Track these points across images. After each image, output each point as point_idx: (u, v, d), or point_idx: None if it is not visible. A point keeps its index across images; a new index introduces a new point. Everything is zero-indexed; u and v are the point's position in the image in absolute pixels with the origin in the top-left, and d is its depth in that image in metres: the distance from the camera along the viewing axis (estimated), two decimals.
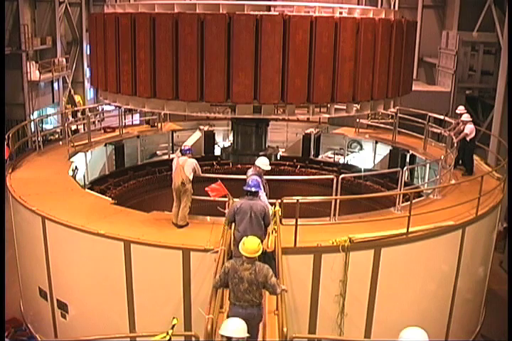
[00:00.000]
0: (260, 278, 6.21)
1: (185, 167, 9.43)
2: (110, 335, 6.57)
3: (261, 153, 13.20)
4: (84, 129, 16.52)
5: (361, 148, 16.80)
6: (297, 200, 8.78)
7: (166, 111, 11.75)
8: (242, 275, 6.21)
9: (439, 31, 26.28)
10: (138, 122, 18.46)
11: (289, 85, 10.63)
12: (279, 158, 14.18)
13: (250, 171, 9.12)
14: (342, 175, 10.32)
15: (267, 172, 9.48)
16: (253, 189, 7.88)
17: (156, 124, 16.80)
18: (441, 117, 15.91)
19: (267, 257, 8.55)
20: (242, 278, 6.21)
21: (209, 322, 5.83)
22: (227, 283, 6.39)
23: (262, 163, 9.24)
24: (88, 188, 12.65)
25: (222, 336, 5.18)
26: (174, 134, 16.85)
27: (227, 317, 6.35)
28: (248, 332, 5.70)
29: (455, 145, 12.83)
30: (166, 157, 16.35)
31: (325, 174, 15.53)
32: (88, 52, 32.01)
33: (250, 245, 6.26)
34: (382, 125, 16.93)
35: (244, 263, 6.25)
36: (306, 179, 15.32)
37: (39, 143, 13.87)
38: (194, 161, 9.55)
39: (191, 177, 9.50)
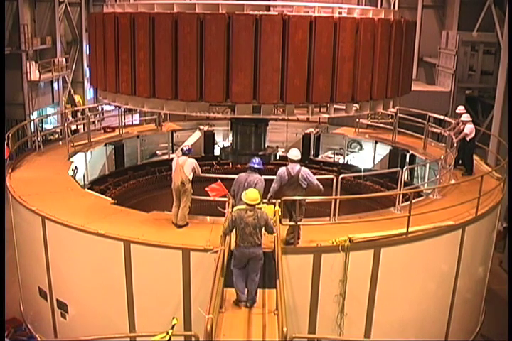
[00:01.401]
0: (262, 221, 7.44)
1: (184, 167, 9.44)
2: (110, 335, 6.58)
3: (260, 153, 13.21)
4: (84, 129, 16.55)
5: (361, 148, 16.80)
6: (297, 200, 8.78)
7: (166, 111, 11.74)
8: (247, 221, 7.40)
9: (439, 31, 26.29)
10: (138, 122, 18.45)
11: (289, 85, 10.62)
12: (278, 158, 14.16)
13: (294, 167, 8.99)
14: (342, 175, 10.32)
15: (267, 173, 9.50)
16: (256, 165, 9.01)
17: (160, 123, 16.79)
18: (441, 117, 15.92)
19: (267, 257, 8.57)
20: (248, 224, 7.39)
21: (209, 322, 5.84)
22: (232, 229, 7.61)
23: (293, 154, 9.17)
24: (88, 188, 12.65)
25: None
26: (174, 134, 16.86)
27: (234, 256, 7.61)
28: (252, 269, 7.51)
29: (455, 145, 12.83)
30: (165, 157, 16.36)
31: (325, 174, 15.52)
32: (88, 52, 32.03)
33: (251, 194, 7.47)
34: (382, 125, 16.94)
35: (247, 211, 7.45)
36: None
37: (39, 143, 13.87)
38: (194, 161, 9.57)
39: (191, 177, 9.51)
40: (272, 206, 8.72)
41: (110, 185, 14.43)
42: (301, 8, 10.72)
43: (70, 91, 33.90)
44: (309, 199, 9.59)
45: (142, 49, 10.83)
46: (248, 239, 7.42)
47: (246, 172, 9.12)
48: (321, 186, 9.09)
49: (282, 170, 9.09)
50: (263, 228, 7.55)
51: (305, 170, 9.02)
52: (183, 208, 9.54)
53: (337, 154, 16.94)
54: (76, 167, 13.06)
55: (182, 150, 9.69)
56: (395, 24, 11.48)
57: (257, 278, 7.63)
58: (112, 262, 9.32)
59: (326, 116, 12.18)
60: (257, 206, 7.60)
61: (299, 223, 8.91)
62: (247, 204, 7.49)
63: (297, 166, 9.04)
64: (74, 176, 12.47)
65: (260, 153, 13.18)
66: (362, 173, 15.43)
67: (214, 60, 10.42)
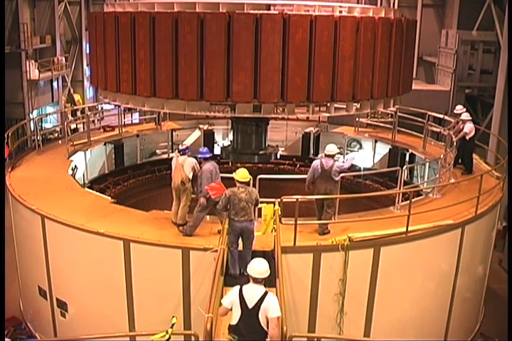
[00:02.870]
0: (253, 196, 8.33)
1: (184, 166, 9.46)
2: (110, 334, 6.58)
3: (261, 152, 13.21)
4: (83, 128, 16.52)
5: (361, 147, 16.79)
6: (297, 199, 8.79)
7: (166, 110, 11.73)
8: (240, 197, 8.25)
9: (439, 30, 26.28)
10: (137, 121, 18.44)
11: (289, 84, 10.62)
12: (278, 157, 14.17)
13: (329, 161, 9.48)
14: (341, 174, 10.31)
15: (267, 172, 9.53)
16: (207, 155, 9.36)
17: (159, 122, 16.79)
18: (441, 116, 15.92)
19: (267, 256, 8.57)
20: (241, 199, 8.25)
21: (208, 321, 5.84)
22: (226, 206, 8.35)
23: (329, 149, 9.71)
24: (87, 187, 12.66)
25: (249, 275, 6.17)
26: (174, 133, 16.85)
27: (229, 232, 8.35)
28: (247, 238, 8.35)
29: (454, 144, 12.83)
30: (165, 156, 16.35)
31: None
32: (87, 51, 31.99)
33: (243, 173, 8.38)
34: (381, 124, 16.93)
35: (239, 188, 8.33)
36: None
37: (38, 142, 13.86)
38: (194, 160, 9.58)
39: (191, 177, 9.52)
40: (272, 205, 8.73)
41: (110, 184, 14.43)
42: (301, 7, 10.71)
43: (69, 90, 33.87)
44: (309, 198, 9.62)
45: (142, 48, 10.82)
46: (242, 213, 8.24)
47: (208, 164, 9.25)
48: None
49: (316, 163, 9.63)
50: (254, 204, 8.37)
51: (339, 165, 9.48)
52: (183, 207, 9.55)
53: (337, 153, 16.90)
54: (76, 166, 13.06)
55: (180, 149, 9.70)
56: (395, 23, 11.47)
57: (251, 245, 8.53)
58: (112, 261, 9.32)
59: (327, 115, 12.17)
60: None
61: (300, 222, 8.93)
62: (239, 182, 8.35)
63: (331, 160, 9.48)
64: (73, 175, 12.47)
65: (261, 152, 13.20)
66: (362, 172, 15.43)
67: (214, 59, 10.41)
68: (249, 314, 5.91)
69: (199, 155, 9.40)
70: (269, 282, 7.82)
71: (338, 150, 9.86)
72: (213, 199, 8.95)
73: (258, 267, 6.11)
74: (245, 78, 10.47)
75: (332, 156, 9.60)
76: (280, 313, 5.90)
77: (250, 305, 5.90)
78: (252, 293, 5.97)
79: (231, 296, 6.09)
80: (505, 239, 17.09)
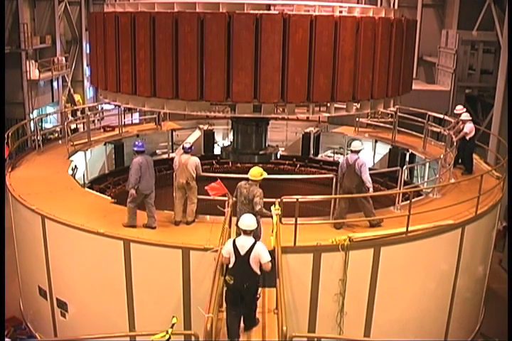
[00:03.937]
0: (250, 195, 8.47)
1: (188, 165, 9.51)
2: (110, 334, 6.58)
3: (261, 152, 13.21)
4: (83, 128, 16.52)
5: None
6: (297, 199, 8.78)
7: (166, 110, 11.73)
8: (241, 191, 8.60)
9: (439, 30, 26.28)
10: (137, 121, 18.45)
11: (289, 84, 10.62)
12: (278, 157, 14.17)
13: (353, 156, 9.70)
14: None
15: (267, 172, 9.51)
16: (140, 149, 9.45)
17: (159, 122, 16.80)
18: (441, 116, 15.92)
19: None
20: (241, 193, 8.59)
21: (208, 321, 5.85)
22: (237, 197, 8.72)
23: (353, 145, 9.92)
24: (88, 187, 12.66)
25: (238, 228, 7.31)
26: (174, 133, 16.85)
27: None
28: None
29: (454, 144, 12.83)
30: (165, 156, 16.35)
31: (324, 173, 15.52)
32: (88, 51, 31.99)
33: (253, 171, 8.59)
34: (381, 124, 16.93)
35: (246, 184, 8.59)
36: (306, 178, 15.32)
37: (39, 142, 13.86)
38: (197, 160, 9.63)
39: (194, 175, 9.56)
40: (272, 206, 8.73)
41: (110, 184, 14.42)
42: (301, 7, 10.70)
43: (69, 90, 33.88)
44: (309, 198, 9.61)
45: (143, 48, 10.82)
46: (242, 207, 8.52)
47: (139, 157, 9.35)
48: (369, 184, 9.59)
49: (342, 159, 10.01)
50: (249, 203, 8.46)
51: (361, 161, 9.63)
52: (191, 205, 9.70)
53: (337, 153, 16.92)
54: (76, 166, 13.06)
55: (183, 147, 9.74)
56: (395, 23, 11.46)
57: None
58: (112, 261, 9.32)
59: (327, 115, 12.17)
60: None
61: (299, 222, 8.93)
62: (250, 180, 8.58)
63: (355, 156, 9.68)
64: (74, 175, 12.47)
65: (261, 152, 13.20)
66: None
67: (214, 59, 10.41)
68: (242, 260, 7.01)
69: (134, 148, 9.52)
70: (270, 282, 7.87)
71: (363, 147, 10.01)
72: (143, 192, 9.27)
73: (246, 221, 7.18)
74: (245, 78, 10.47)
75: (357, 152, 9.76)
76: (270, 257, 7.04)
77: (242, 252, 7.01)
78: (243, 243, 7.07)
79: (227, 246, 7.23)
80: (505, 239, 17.09)
